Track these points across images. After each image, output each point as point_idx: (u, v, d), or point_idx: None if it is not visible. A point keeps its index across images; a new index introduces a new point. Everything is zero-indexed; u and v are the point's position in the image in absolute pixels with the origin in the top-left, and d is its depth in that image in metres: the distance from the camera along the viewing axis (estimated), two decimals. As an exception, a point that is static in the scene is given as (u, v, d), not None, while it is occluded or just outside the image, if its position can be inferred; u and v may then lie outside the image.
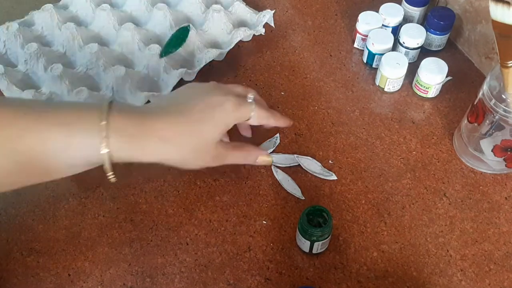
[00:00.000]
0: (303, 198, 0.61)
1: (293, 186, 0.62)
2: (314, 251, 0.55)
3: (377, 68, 0.72)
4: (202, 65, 0.71)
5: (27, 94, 0.67)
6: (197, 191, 0.62)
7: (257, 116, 0.51)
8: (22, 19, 0.77)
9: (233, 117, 0.49)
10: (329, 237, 0.54)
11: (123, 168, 0.44)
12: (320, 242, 0.54)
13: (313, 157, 0.64)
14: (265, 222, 0.59)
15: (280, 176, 0.63)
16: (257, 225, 0.59)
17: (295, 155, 0.64)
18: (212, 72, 0.74)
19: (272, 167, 0.63)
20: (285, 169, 0.63)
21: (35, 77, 0.71)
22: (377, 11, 0.75)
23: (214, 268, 0.56)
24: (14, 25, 0.74)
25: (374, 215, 0.60)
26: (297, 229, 0.55)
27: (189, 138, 0.46)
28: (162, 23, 0.75)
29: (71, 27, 0.73)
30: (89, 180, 0.63)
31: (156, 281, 0.55)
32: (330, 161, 0.64)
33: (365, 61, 0.75)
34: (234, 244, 0.58)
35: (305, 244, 0.55)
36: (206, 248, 0.57)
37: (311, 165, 0.63)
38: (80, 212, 0.60)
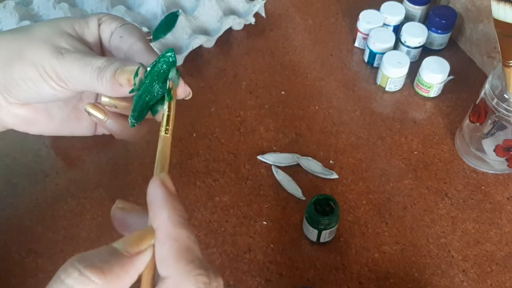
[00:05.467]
0: (304, 198, 0.61)
1: (293, 187, 0.61)
2: (321, 240, 0.56)
3: (378, 68, 0.71)
4: (189, 51, 0.72)
5: None
6: (197, 191, 0.61)
7: (107, 22, 0.39)
8: None
9: (94, 14, 0.39)
10: (336, 225, 0.55)
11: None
12: (328, 231, 0.54)
13: (314, 157, 0.64)
14: (265, 223, 0.59)
15: (280, 176, 0.62)
16: (257, 226, 0.59)
17: (295, 155, 0.64)
18: (209, 63, 0.74)
19: (272, 167, 0.63)
20: (285, 169, 0.63)
21: None
22: (378, 10, 0.74)
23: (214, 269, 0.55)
24: (10, 3, 0.74)
25: (376, 215, 0.59)
26: (304, 219, 0.55)
27: None
28: (154, 8, 0.76)
29: (64, 7, 0.74)
30: (88, 181, 0.62)
31: (156, 282, 0.55)
32: (331, 161, 0.64)
33: (366, 61, 0.74)
34: (234, 245, 0.57)
35: (312, 233, 0.55)
36: (206, 249, 0.57)
37: (311, 164, 0.63)
38: (79, 213, 0.60)
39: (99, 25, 0.39)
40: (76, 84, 0.37)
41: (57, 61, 0.35)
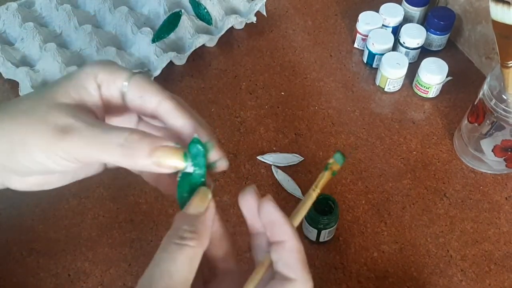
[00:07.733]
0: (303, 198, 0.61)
1: (293, 186, 0.62)
2: (321, 240, 0.56)
3: (377, 68, 0.72)
4: (192, 50, 0.73)
5: (21, 71, 0.69)
6: (197, 191, 0.62)
7: (137, 85, 0.33)
8: (23, 0, 0.78)
9: (88, 71, 0.33)
10: (336, 225, 0.55)
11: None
12: (327, 230, 0.55)
13: (313, 157, 0.64)
14: (265, 222, 0.59)
15: (280, 176, 0.63)
16: (257, 225, 0.59)
17: (295, 155, 0.64)
18: (210, 63, 0.74)
19: (272, 167, 0.63)
20: (285, 169, 0.63)
21: (30, 55, 0.73)
22: (377, 11, 0.75)
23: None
24: (13, 5, 0.75)
25: (374, 215, 0.60)
26: (304, 218, 0.55)
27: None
28: (156, 8, 0.76)
29: (67, 8, 0.74)
30: (89, 181, 0.62)
31: (156, 281, 0.55)
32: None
33: (365, 61, 0.75)
34: (234, 244, 0.57)
35: (312, 233, 0.55)
36: (206, 248, 0.57)
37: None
38: (80, 212, 0.60)
39: (98, 86, 0.33)
40: (93, 160, 0.33)
41: (65, 143, 0.31)
